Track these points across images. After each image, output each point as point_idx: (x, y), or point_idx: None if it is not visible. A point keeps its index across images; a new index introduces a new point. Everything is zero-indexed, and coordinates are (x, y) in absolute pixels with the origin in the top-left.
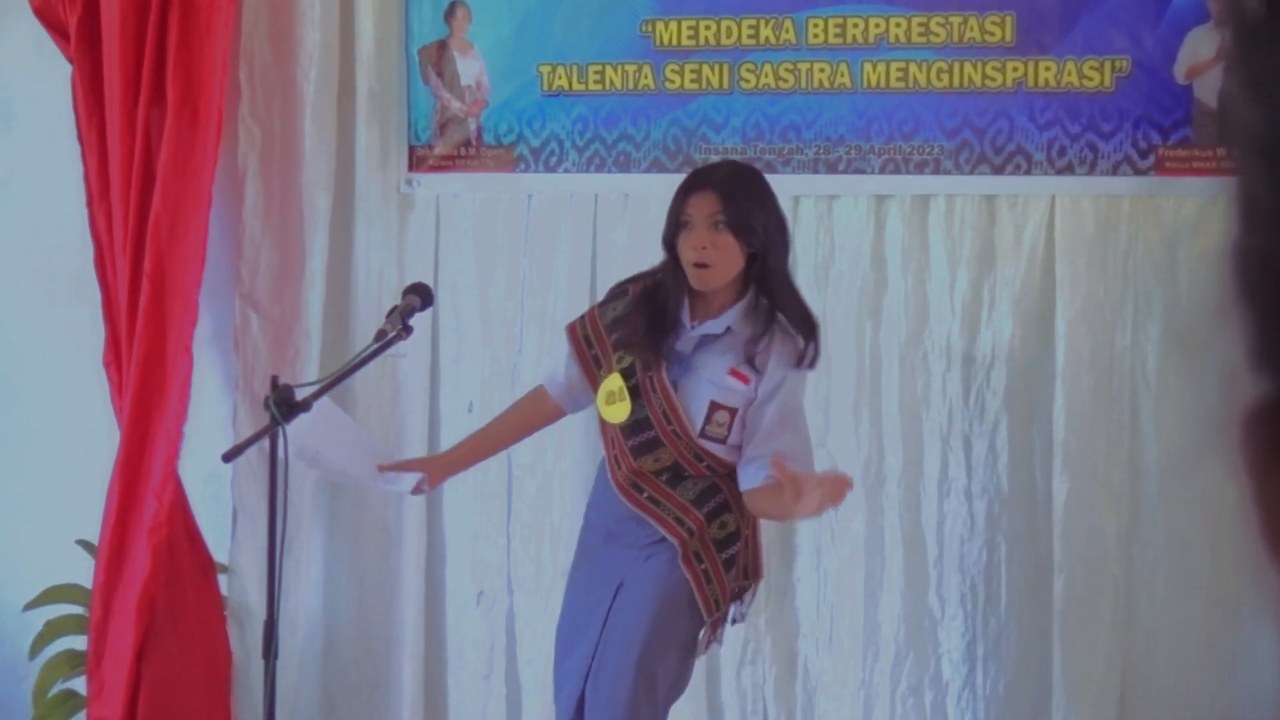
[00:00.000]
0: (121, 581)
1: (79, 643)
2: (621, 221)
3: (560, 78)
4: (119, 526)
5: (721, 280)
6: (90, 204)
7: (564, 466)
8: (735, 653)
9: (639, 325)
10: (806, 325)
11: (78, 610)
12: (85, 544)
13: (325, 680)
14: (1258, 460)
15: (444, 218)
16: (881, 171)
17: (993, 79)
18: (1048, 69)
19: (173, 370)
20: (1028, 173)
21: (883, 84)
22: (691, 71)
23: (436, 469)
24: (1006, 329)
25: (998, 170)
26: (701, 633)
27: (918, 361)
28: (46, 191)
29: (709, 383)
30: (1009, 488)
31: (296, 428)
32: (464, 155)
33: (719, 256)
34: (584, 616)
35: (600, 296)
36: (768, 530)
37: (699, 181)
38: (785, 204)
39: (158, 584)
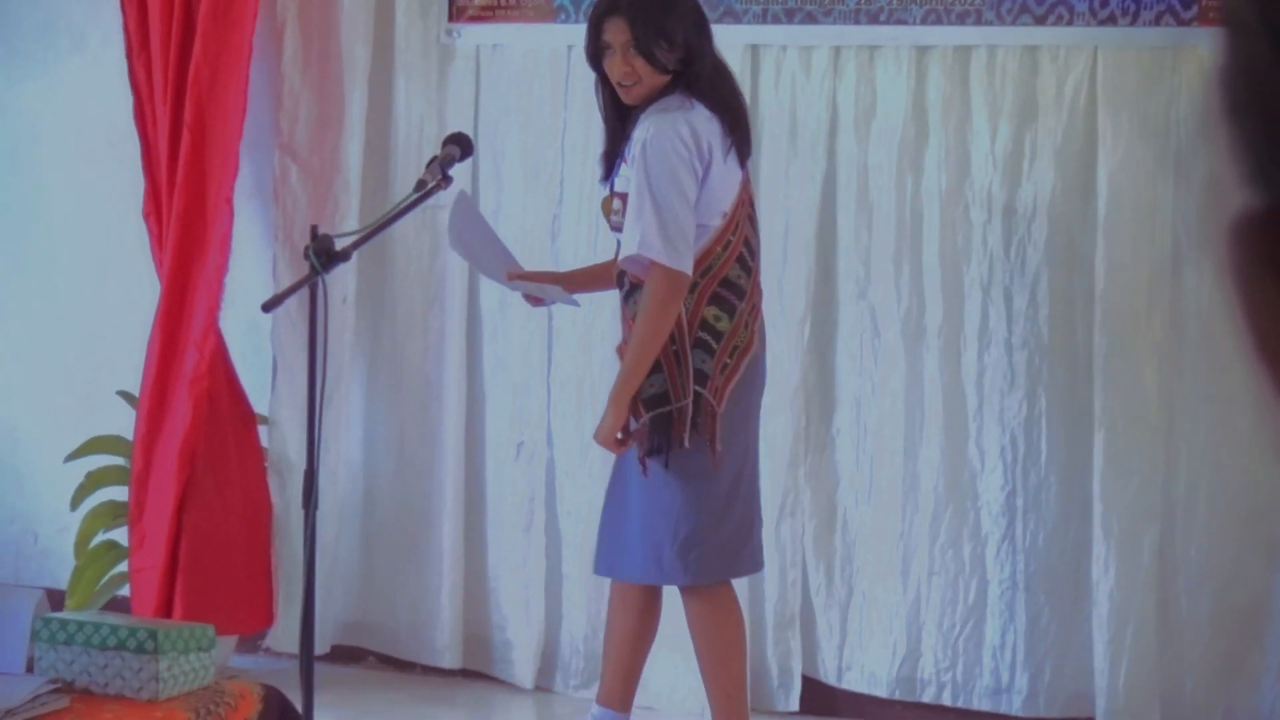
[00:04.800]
0: (162, 433)
1: (120, 494)
2: None
3: None
4: (160, 378)
5: (646, 93)
6: (129, 55)
7: (604, 318)
8: (775, 505)
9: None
10: (734, 114)
11: (119, 461)
12: (126, 395)
13: (365, 531)
14: (1244, 269)
15: (484, 68)
16: (923, 22)
17: None
18: None
19: (213, 222)
20: (1070, 24)
21: None
22: None
23: (563, 283)
24: (1048, 181)
25: (1039, 21)
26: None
27: (958, 213)
28: (86, 42)
29: (618, 176)
30: (1050, 340)
31: (453, 216)
32: (504, 5)
33: (638, 74)
34: None
35: None
36: (807, 384)
37: (608, 8)
38: (826, 55)
39: (198, 435)
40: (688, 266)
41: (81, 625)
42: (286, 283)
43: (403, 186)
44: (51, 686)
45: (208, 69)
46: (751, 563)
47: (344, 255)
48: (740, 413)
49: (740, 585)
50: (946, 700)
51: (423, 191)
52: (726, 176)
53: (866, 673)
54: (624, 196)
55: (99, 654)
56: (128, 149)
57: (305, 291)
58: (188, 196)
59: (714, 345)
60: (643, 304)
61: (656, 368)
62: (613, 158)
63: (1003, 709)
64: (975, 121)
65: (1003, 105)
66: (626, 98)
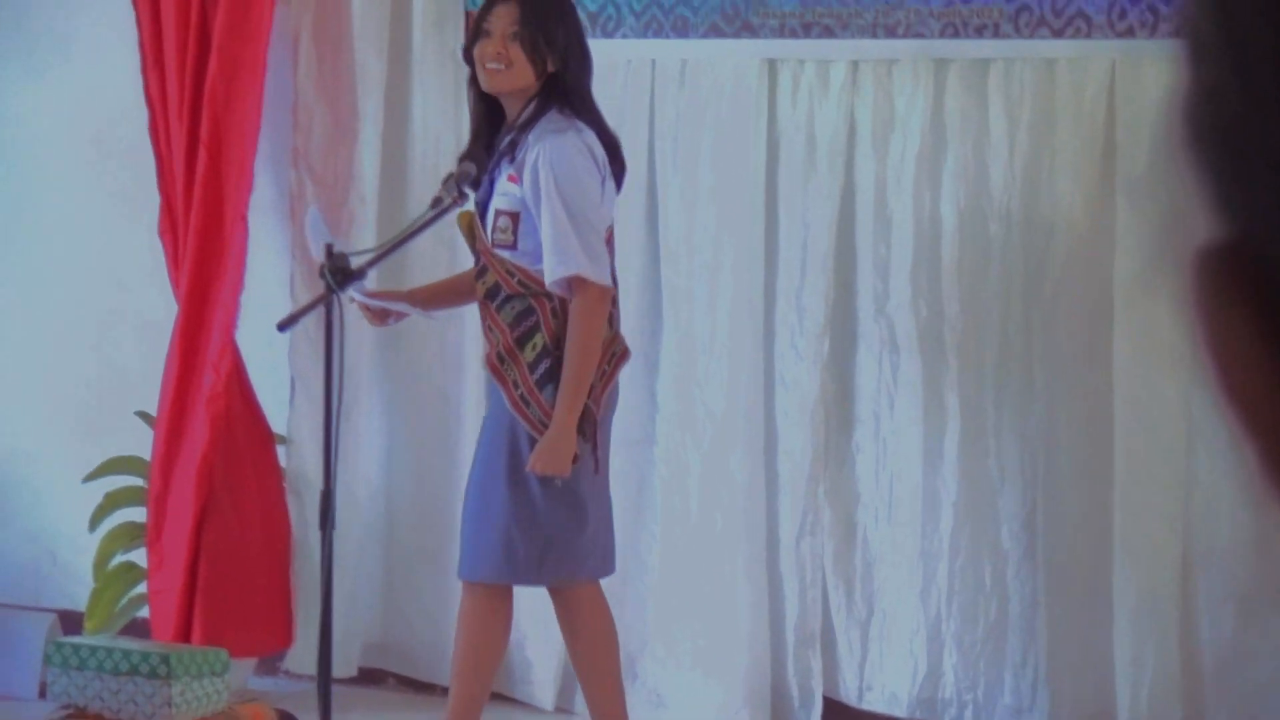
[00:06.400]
0: (180, 453)
1: (138, 514)
2: (679, 87)
3: None
4: (178, 397)
5: (512, 84)
6: (144, 68)
7: (624, 334)
8: (794, 523)
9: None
10: (615, 141)
11: (137, 482)
12: (144, 415)
13: (386, 551)
14: (1208, 303)
15: None
16: (941, 35)
17: None
18: None
19: (229, 239)
20: (1088, 36)
21: None
22: None
23: (418, 304)
24: (1066, 194)
25: (1057, 34)
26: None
27: (977, 227)
28: (103, 55)
29: (497, 193)
30: (1070, 353)
31: (309, 231)
32: None
33: (511, 62)
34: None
35: (656, 162)
36: (826, 400)
37: None
38: (843, 69)
39: (216, 455)
40: (609, 279)
41: (94, 650)
42: (304, 300)
43: (420, 201)
44: (64, 712)
45: (223, 84)
46: (609, 564)
47: (360, 273)
48: (610, 416)
49: (760, 604)
50: None
51: (439, 209)
52: (609, 197)
53: (887, 693)
54: (512, 215)
55: (112, 679)
56: (142, 164)
57: (323, 308)
58: (204, 213)
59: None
60: (575, 322)
61: (536, 329)
62: (480, 173)
63: None
64: (993, 135)
65: (1021, 118)
66: (491, 83)
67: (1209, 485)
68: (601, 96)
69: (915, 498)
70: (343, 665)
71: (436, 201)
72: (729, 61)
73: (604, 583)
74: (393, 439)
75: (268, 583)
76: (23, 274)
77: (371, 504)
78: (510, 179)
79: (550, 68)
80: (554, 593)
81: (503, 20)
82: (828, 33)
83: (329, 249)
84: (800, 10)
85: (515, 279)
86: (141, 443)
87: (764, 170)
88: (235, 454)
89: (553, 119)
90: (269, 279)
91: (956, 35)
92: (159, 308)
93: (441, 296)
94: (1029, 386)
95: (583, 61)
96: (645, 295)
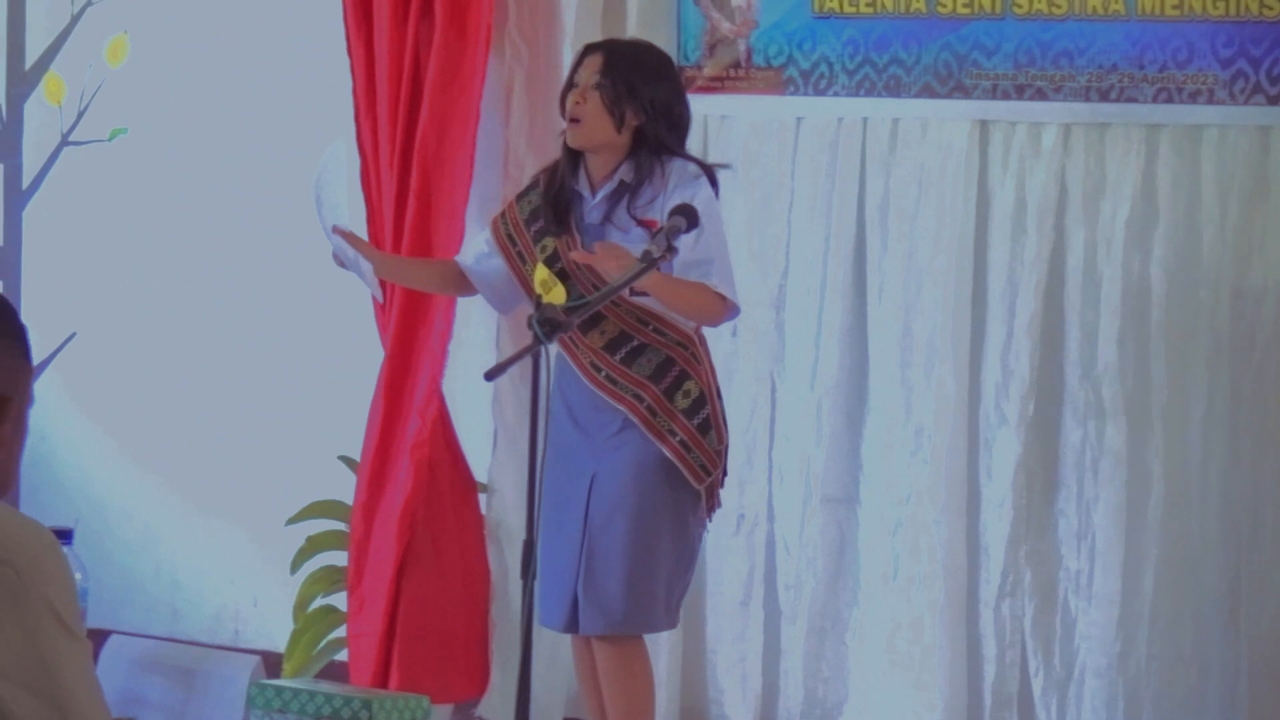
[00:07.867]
0: (383, 498)
1: (339, 558)
2: (890, 146)
3: None
4: (382, 443)
5: (590, 138)
6: (357, 117)
7: (825, 387)
8: (994, 585)
9: (545, 208)
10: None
11: (339, 526)
12: (347, 460)
13: None
14: None
15: (712, 139)
16: (1154, 100)
17: (1270, 7)
18: None
19: None
20: None
21: (1157, 11)
22: None
23: (377, 262)
24: (1277, 264)
25: (1273, 101)
26: (701, 503)
27: (1186, 294)
28: (313, 104)
29: (623, 240)
30: (1276, 423)
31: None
32: (733, 76)
33: (586, 113)
34: (564, 518)
35: (868, 222)
36: (1029, 463)
37: (597, 45)
38: (1054, 131)
39: (419, 501)
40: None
41: (296, 693)
42: (509, 351)
43: None
44: None
45: (435, 134)
46: None
47: (566, 325)
48: None
49: (958, 664)
50: None
51: (649, 262)
52: None
53: None
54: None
55: None
56: (354, 209)
57: (528, 359)
58: None
59: (719, 393)
60: (702, 295)
61: (685, 376)
62: (560, 210)
63: None
64: (1205, 201)
65: (1233, 185)
66: (572, 135)
67: None
68: (812, 153)
69: (1117, 562)
70: (545, 716)
71: (646, 255)
72: (941, 122)
73: (804, 638)
74: None
75: (465, 630)
76: (233, 316)
77: None
78: (644, 224)
79: (633, 121)
80: (613, 641)
81: (588, 70)
82: (1040, 95)
83: (538, 300)
84: (1013, 72)
85: (650, 327)
86: (344, 487)
87: (973, 231)
88: (438, 501)
89: (687, 165)
90: (476, 329)
91: (1170, 101)
92: (364, 352)
93: (404, 271)
94: (1235, 454)
95: (672, 120)
96: (850, 353)
